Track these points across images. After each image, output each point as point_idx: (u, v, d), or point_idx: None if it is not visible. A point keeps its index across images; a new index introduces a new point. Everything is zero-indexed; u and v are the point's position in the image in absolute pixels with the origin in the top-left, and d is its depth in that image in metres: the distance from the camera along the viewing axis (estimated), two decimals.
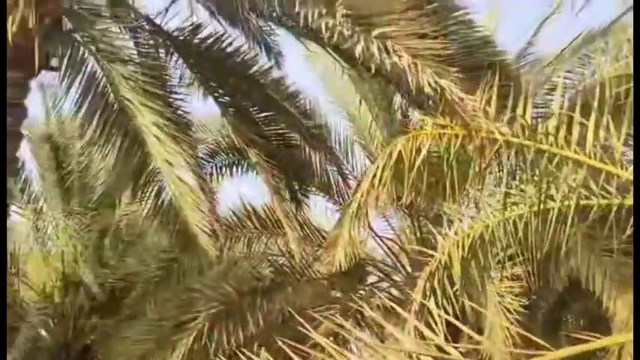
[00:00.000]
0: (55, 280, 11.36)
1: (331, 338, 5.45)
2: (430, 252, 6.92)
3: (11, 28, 6.52)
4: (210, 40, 8.19)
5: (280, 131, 8.88)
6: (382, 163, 6.44)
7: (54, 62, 7.22)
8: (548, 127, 5.85)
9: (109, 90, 7.50)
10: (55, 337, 11.28)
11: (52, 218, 11.47)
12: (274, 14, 7.50)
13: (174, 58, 8.16)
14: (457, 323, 3.96)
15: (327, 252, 8.28)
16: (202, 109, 8.78)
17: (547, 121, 6.02)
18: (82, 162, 11.26)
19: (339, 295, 9.83)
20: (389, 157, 6.46)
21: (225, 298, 9.50)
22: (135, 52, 7.77)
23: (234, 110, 8.63)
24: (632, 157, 5.54)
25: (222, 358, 8.68)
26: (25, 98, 7.01)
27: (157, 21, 7.93)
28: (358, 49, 6.08)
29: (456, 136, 6.10)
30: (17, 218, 10.68)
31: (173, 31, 8.00)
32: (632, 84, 5.50)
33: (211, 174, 9.85)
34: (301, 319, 4.08)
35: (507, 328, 7.59)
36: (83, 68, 7.41)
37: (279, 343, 3.34)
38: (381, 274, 10.23)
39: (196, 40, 8.16)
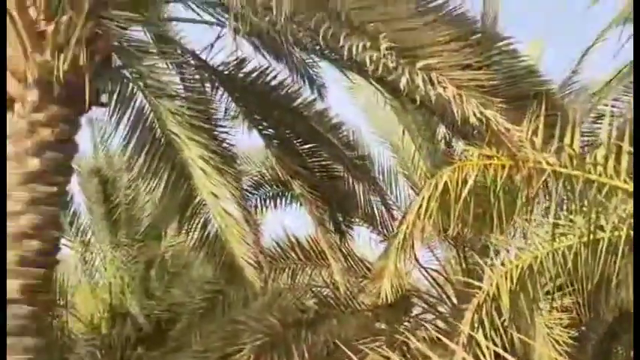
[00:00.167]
0: (102, 312, 11.50)
1: None
2: (477, 283, 6.86)
3: (62, 66, 6.70)
4: (254, 74, 8.31)
5: (324, 162, 8.92)
6: (428, 194, 6.42)
7: (104, 98, 7.38)
8: (596, 157, 5.79)
9: (157, 124, 7.64)
10: None
11: (100, 250, 11.65)
12: (317, 47, 7.58)
13: (220, 92, 8.29)
14: (505, 355, 3.91)
15: (372, 283, 8.25)
16: (247, 141, 8.88)
17: (595, 150, 5.96)
18: (129, 195, 11.45)
19: (384, 326, 9.76)
20: (434, 188, 6.44)
21: (270, 330, 9.50)
22: (181, 87, 7.90)
23: (278, 142, 8.71)
24: None
25: None
26: (76, 134, 7.18)
27: (203, 56, 8.08)
28: (403, 81, 6.11)
29: (503, 166, 6.07)
30: (66, 250, 10.86)
31: (218, 65, 8.13)
32: None
33: (256, 206, 9.92)
34: (347, 351, 4.06)
35: None
36: (132, 104, 7.56)
37: None
38: (427, 306, 10.15)
39: (241, 74, 8.28)
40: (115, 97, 7.53)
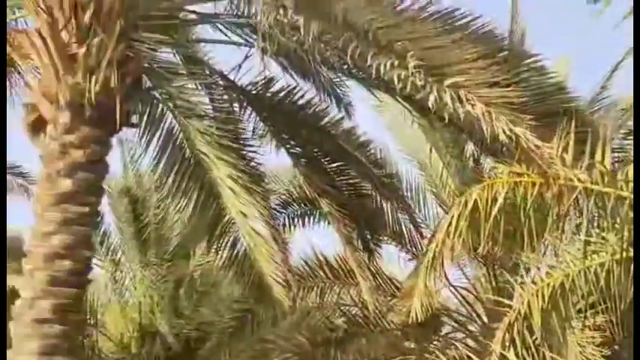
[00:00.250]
0: (132, 331, 11.56)
1: None
2: (508, 302, 6.80)
3: (94, 88, 6.79)
4: (282, 94, 8.35)
5: (352, 181, 8.93)
6: (457, 212, 6.40)
7: (134, 119, 7.47)
8: (628, 173, 5.75)
9: (186, 144, 7.71)
10: None
11: (130, 269, 11.73)
12: (345, 66, 7.62)
13: (248, 112, 8.34)
14: None
15: (402, 302, 8.21)
16: (274, 160, 8.92)
17: (627, 166, 5.91)
18: (158, 214, 11.54)
19: (413, 345, 9.70)
20: (464, 206, 6.42)
21: (299, 349, 9.49)
22: (210, 107, 7.98)
23: (306, 161, 8.74)
24: None
25: None
26: (107, 155, 7.26)
27: (231, 76, 8.14)
28: (431, 99, 6.12)
29: (533, 184, 6.04)
30: (96, 270, 10.95)
31: (246, 85, 8.19)
32: None
33: (284, 224, 9.94)
34: None
35: None
36: (162, 124, 7.65)
37: None
38: (457, 324, 10.07)
39: (269, 94, 8.33)
40: (145, 117, 7.62)
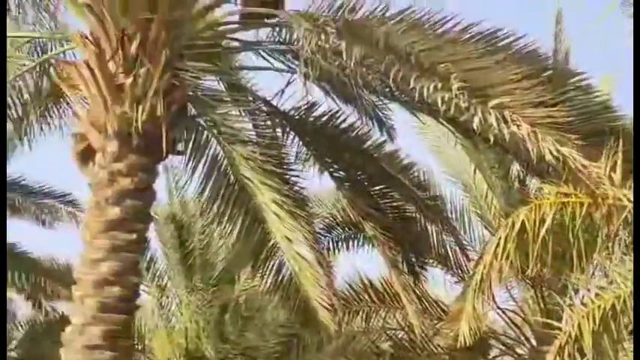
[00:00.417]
0: (178, 356, 11.64)
1: None
2: (557, 324, 6.70)
3: (141, 117, 6.91)
4: (324, 118, 8.39)
5: (395, 204, 8.89)
6: (504, 234, 6.35)
7: (179, 146, 7.57)
8: None
9: (230, 170, 7.79)
10: None
11: (176, 295, 11.83)
12: (387, 90, 7.63)
13: (291, 137, 8.40)
14: None
15: (449, 326, 8.13)
16: (318, 184, 8.95)
17: None
18: (203, 240, 11.64)
19: None
20: (511, 228, 6.38)
21: None
22: (254, 133, 8.05)
23: (350, 184, 8.74)
24: None
25: None
26: (154, 182, 7.36)
27: (274, 102, 8.21)
28: (475, 121, 6.09)
29: (582, 204, 5.97)
30: (143, 296, 11.07)
31: (289, 110, 8.25)
32: None
33: (328, 248, 9.94)
34: None
35: None
36: (207, 151, 7.74)
37: None
38: (504, 348, 9.93)
39: (311, 118, 8.38)
40: (190, 145, 7.72)
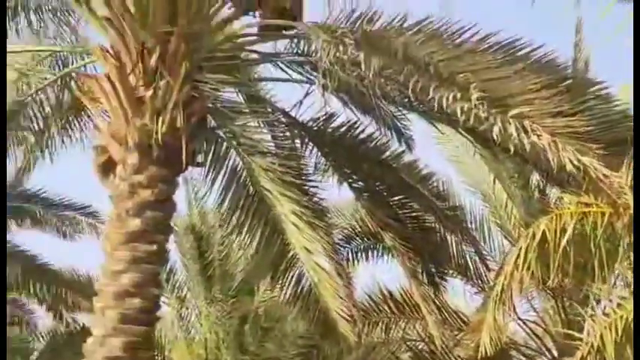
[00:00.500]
0: None
1: None
2: (579, 335, 6.65)
3: (161, 129, 6.96)
4: (343, 129, 8.40)
5: (415, 214, 8.88)
6: (525, 244, 6.32)
7: (199, 158, 7.61)
8: None
9: (250, 181, 7.81)
10: None
11: (195, 306, 11.85)
12: (406, 100, 7.63)
13: (309, 148, 8.42)
14: None
15: (469, 336, 8.08)
16: (337, 194, 8.95)
17: None
18: (222, 251, 11.66)
19: None
20: (532, 238, 6.34)
21: None
22: (272, 144, 8.08)
23: (369, 195, 8.74)
24: None
25: None
26: (174, 194, 7.40)
27: (292, 113, 8.24)
28: (495, 130, 6.07)
29: (603, 214, 5.93)
30: (163, 307, 11.10)
31: (308, 121, 8.28)
32: None
33: (348, 259, 9.93)
34: None
35: None
36: (226, 162, 7.78)
37: None
38: (525, 359, 9.84)
39: (330, 129, 8.39)
40: (210, 156, 7.76)
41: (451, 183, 10.05)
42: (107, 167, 7.30)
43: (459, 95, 6.15)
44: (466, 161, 10.46)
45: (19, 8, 8.05)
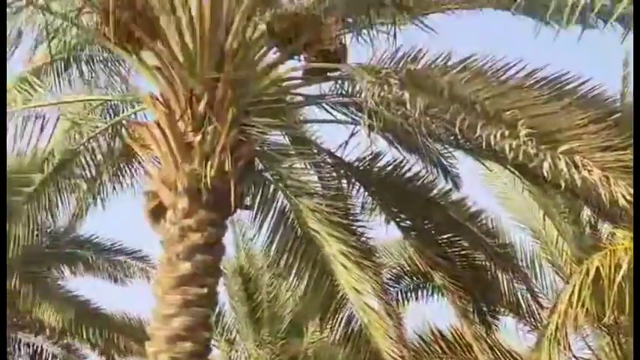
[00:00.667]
0: None
1: None
2: None
3: (210, 173, 7.06)
4: (389, 168, 8.42)
5: (464, 252, 8.79)
6: (579, 281, 6.21)
7: (247, 201, 7.69)
8: None
9: (297, 223, 7.86)
10: None
11: (245, 348, 11.84)
12: (452, 138, 7.62)
13: (356, 187, 8.44)
14: None
15: None
16: (384, 233, 8.92)
17: None
18: (270, 292, 11.68)
19: None
20: (586, 274, 6.23)
21: None
22: (319, 185, 8.13)
23: (416, 233, 8.70)
24: None
25: None
26: (223, 237, 7.47)
27: (338, 154, 8.29)
28: (545, 167, 6.01)
29: None
30: (213, 350, 11.13)
31: (354, 161, 8.31)
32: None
33: (397, 299, 9.86)
34: None
35: None
36: (274, 204, 7.84)
37: None
38: None
39: (376, 169, 8.41)
40: (257, 198, 7.84)
41: (500, 220, 9.96)
42: (158, 212, 7.40)
43: (506, 132, 6.12)
44: (514, 198, 10.37)
45: (72, 60, 8.29)
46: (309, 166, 8.21)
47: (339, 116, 8.15)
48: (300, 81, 7.89)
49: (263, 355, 11.58)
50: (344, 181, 8.40)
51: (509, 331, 10.11)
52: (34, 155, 8.58)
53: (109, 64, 8.38)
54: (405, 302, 10.03)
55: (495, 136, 6.14)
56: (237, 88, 7.26)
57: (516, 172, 7.71)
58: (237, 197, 7.14)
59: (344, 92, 7.98)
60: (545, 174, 6.10)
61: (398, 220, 8.54)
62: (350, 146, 8.12)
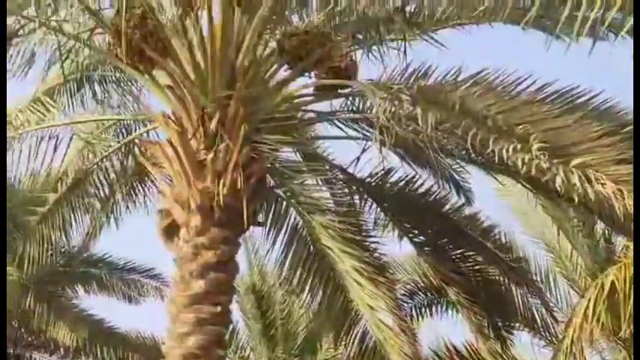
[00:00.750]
0: None
1: None
2: None
3: (222, 191, 7.07)
4: (401, 183, 8.42)
5: (478, 267, 8.76)
6: (594, 295, 6.17)
7: (260, 218, 7.69)
8: None
9: (310, 239, 7.85)
10: None
11: None
12: (464, 152, 7.61)
13: (369, 203, 8.44)
14: None
15: None
16: (397, 249, 8.90)
17: None
18: (284, 310, 11.65)
19: None
20: (600, 288, 6.19)
21: None
22: (331, 201, 8.13)
23: (430, 249, 8.68)
24: None
25: None
26: (236, 254, 7.47)
27: (350, 170, 8.30)
28: (558, 181, 6.00)
29: None
30: None
31: (366, 177, 8.32)
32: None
33: (411, 315, 9.81)
34: None
35: None
36: (286, 221, 7.85)
37: None
38: None
39: (388, 184, 8.41)
40: (270, 215, 7.84)
41: (514, 234, 9.91)
42: (171, 230, 7.42)
43: (519, 147, 6.11)
44: (527, 212, 10.32)
45: (84, 80, 8.36)
46: (321, 183, 8.21)
47: (351, 132, 8.17)
48: (311, 98, 7.92)
49: None
50: (356, 197, 8.40)
51: (525, 346, 10.06)
52: (47, 175, 8.63)
53: (122, 84, 8.44)
54: (420, 318, 9.98)
55: (507, 151, 6.14)
56: (249, 105, 7.29)
57: (529, 187, 7.69)
58: (249, 214, 7.15)
59: (355, 108, 8.00)
60: (558, 188, 6.08)
61: (411, 235, 8.53)
62: (362, 162, 8.14)
